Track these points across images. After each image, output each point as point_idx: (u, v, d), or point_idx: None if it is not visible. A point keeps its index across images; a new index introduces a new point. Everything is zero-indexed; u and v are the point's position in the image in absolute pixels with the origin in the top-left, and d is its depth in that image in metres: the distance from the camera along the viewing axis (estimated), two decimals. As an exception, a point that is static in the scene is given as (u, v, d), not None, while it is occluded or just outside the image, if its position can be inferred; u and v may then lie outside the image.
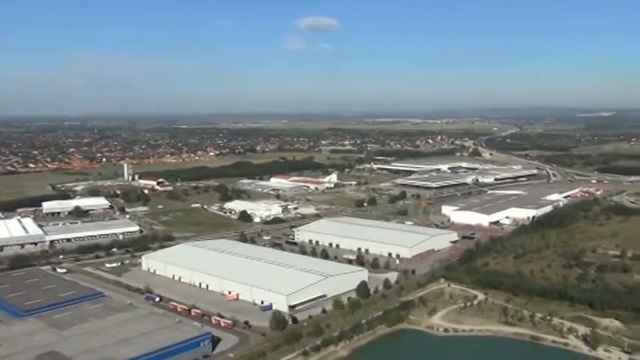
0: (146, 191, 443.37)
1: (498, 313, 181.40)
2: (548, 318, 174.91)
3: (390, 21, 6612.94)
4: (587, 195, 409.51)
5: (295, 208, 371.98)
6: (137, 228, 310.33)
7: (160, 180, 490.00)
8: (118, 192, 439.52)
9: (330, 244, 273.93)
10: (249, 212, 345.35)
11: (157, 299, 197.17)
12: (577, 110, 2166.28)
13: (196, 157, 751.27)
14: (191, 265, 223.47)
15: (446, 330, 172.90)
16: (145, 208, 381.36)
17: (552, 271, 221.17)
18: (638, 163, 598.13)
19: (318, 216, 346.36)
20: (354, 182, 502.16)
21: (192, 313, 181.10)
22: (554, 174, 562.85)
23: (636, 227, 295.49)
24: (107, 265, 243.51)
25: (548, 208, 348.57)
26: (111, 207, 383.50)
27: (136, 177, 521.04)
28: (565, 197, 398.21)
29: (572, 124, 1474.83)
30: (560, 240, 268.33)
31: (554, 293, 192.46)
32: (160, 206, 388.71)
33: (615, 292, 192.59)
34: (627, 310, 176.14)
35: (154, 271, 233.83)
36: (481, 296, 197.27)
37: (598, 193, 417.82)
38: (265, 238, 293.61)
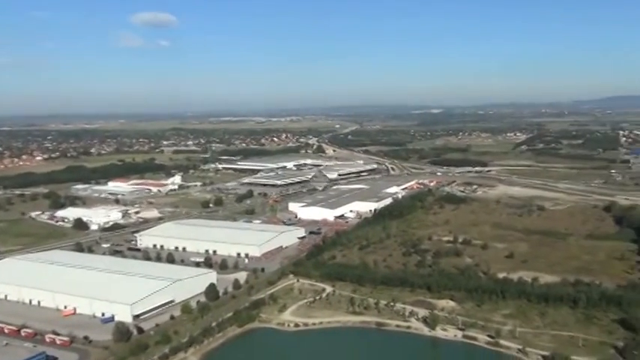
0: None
1: (346, 304, 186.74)
2: (392, 304, 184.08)
3: (229, 17, 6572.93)
4: (422, 186, 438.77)
5: (137, 213, 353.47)
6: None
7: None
8: None
9: (176, 248, 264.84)
10: (84, 219, 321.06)
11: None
12: (410, 107, 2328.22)
13: (21, 162, 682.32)
14: (18, 281, 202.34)
15: (296, 325, 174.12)
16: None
17: (394, 259, 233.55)
18: (465, 156, 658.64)
19: (161, 219, 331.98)
20: (199, 183, 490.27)
21: (23, 334, 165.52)
22: (392, 168, 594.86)
23: (465, 214, 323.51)
24: None
25: (389, 200, 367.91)
26: None
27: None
28: (403, 189, 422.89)
29: (406, 121, 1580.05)
30: (399, 230, 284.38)
31: (396, 280, 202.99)
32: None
33: (449, 275, 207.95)
34: (460, 291, 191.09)
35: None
36: (329, 289, 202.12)
37: (432, 184, 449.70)
38: (104, 246, 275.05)
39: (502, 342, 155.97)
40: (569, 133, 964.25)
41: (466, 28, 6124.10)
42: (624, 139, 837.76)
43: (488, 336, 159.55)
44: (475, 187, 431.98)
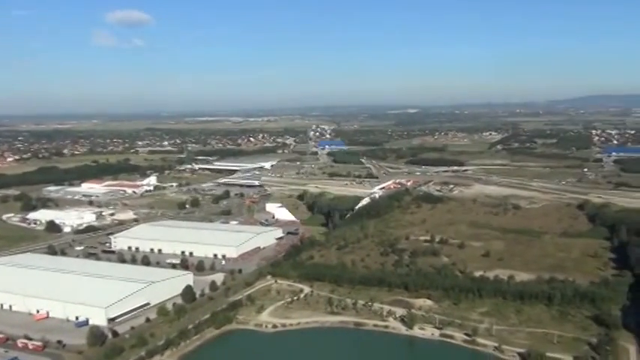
0: None
1: (324, 304, 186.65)
2: (370, 304, 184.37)
3: (205, 16, 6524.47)
4: (399, 186, 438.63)
5: (111, 214, 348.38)
6: None
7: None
8: None
9: (152, 250, 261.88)
10: (57, 222, 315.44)
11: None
12: (387, 107, 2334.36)
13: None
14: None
15: (274, 326, 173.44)
16: None
17: (372, 259, 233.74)
18: (441, 155, 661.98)
19: (136, 221, 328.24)
20: (174, 184, 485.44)
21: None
22: (369, 167, 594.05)
23: (442, 214, 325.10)
24: None
25: (366, 200, 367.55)
26: None
27: None
28: (380, 189, 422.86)
29: (383, 121, 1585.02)
30: (377, 230, 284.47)
31: (373, 280, 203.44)
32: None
33: (426, 274, 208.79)
34: (437, 290, 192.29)
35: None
36: (307, 289, 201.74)
37: (409, 184, 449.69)
38: (78, 248, 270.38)
39: (479, 340, 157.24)
40: (544, 133, 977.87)
41: (442, 30, 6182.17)
42: (597, 138, 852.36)
43: (465, 334, 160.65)
44: (452, 186, 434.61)
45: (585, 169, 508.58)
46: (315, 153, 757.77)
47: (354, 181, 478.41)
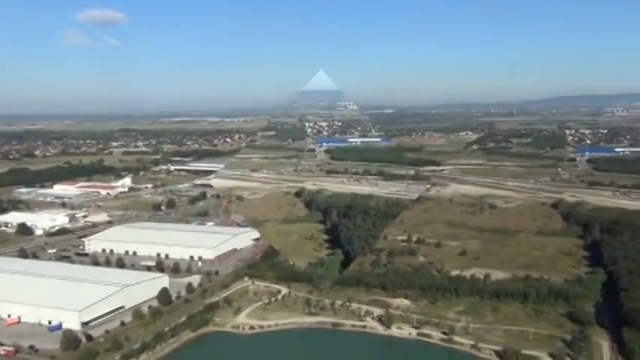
0: None
1: (302, 305, 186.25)
2: (347, 304, 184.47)
3: (180, 15, 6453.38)
4: None
5: (85, 217, 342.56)
6: None
7: None
8: None
9: (127, 252, 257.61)
10: (29, 224, 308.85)
11: None
12: (365, 107, 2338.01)
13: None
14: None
15: (252, 327, 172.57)
16: None
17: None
18: (419, 155, 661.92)
19: (111, 223, 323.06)
20: (150, 185, 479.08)
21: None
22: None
23: (419, 214, 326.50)
24: None
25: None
26: None
27: None
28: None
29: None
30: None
31: (351, 280, 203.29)
32: None
33: (404, 273, 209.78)
34: (414, 289, 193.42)
35: None
36: (284, 290, 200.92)
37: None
38: (50, 251, 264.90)
39: (456, 338, 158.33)
40: (519, 132, 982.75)
41: (419, 30, 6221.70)
42: (570, 137, 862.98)
43: (442, 333, 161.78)
44: (428, 186, 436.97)
45: (559, 169, 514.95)
46: (313, 150, 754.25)
47: (352, 178, 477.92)
